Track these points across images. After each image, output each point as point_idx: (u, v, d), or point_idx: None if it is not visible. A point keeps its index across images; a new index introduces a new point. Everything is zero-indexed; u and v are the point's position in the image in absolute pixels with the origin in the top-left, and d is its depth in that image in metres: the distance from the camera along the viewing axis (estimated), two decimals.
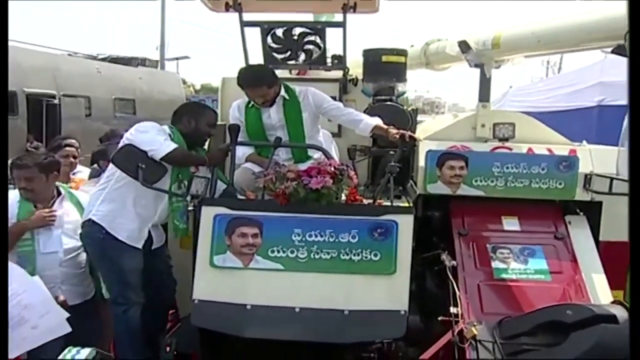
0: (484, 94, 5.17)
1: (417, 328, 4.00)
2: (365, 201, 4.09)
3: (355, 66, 5.96)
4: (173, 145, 4.07)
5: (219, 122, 4.95)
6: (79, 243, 4.27)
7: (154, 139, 4.05)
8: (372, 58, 5.71)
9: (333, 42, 5.64)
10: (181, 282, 4.48)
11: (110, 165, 4.14)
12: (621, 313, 3.22)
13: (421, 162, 4.52)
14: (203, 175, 4.09)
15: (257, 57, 5.66)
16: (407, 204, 4.41)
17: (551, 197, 4.47)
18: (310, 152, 4.74)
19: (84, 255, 4.34)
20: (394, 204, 3.99)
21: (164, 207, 4.27)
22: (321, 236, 3.68)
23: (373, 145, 5.29)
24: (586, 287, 3.98)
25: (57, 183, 4.43)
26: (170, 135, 4.16)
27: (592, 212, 4.49)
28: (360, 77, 5.87)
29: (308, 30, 5.60)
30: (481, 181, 4.43)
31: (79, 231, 4.23)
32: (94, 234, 4.13)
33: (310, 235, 3.68)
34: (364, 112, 5.05)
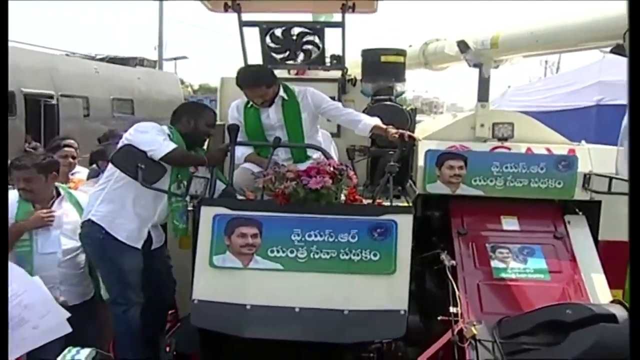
0: (483, 94, 5.18)
1: (417, 328, 4.00)
2: (365, 201, 4.09)
3: (354, 66, 5.96)
4: (172, 146, 4.07)
5: (218, 122, 4.95)
6: (78, 243, 4.27)
7: (154, 139, 4.05)
8: (370, 58, 5.71)
9: (332, 42, 5.65)
10: (180, 283, 4.49)
11: (110, 165, 4.14)
12: (621, 312, 3.22)
13: (420, 161, 4.53)
14: (202, 176, 4.09)
15: (255, 57, 5.66)
16: (406, 204, 4.41)
17: (550, 197, 4.48)
18: (310, 152, 4.74)
19: (83, 256, 4.34)
20: (394, 204, 3.99)
21: (163, 207, 4.28)
22: (321, 236, 3.68)
23: (372, 145, 5.29)
24: (585, 286, 3.99)
25: (57, 183, 4.42)
26: (169, 135, 4.16)
27: (591, 211, 4.49)
28: (359, 77, 5.87)
29: (307, 30, 5.59)
30: (480, 181, 4.44)
31: (79, 231, 4.23)
32: (93, 234, 4.13)
33: (309, 235, 3.68)
34: (363, 112, 5.04)
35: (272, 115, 4.76)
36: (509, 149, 4.71)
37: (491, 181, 4.43)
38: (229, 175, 4.20)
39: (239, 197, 4.14)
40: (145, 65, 16.95)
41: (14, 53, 11.35)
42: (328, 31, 5.55)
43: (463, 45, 5.47)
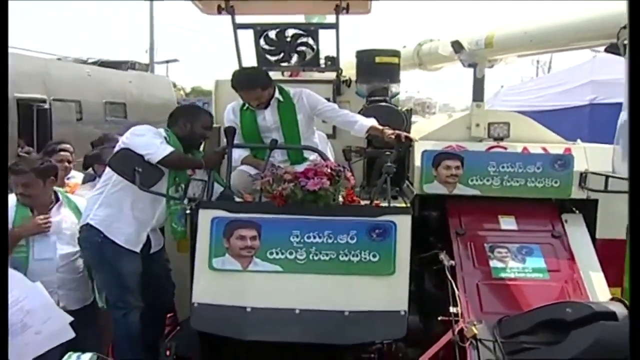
0: (478, 94, 5.19)
1: (417, 328, 4.02)
2: (363, 202, 4.09)
3: (349, 67, 5.96)
4: (169, 149, 4.06)
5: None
6: (77, 248, 4.25)
7: (150, 142, 4.05)
8: (365, 59, 5.71)
9: (326, 43, 5.65)
10: (179, 286, 4.48)
11: (107, 169, 4.14)
12: (620, 310, 3.24)
13: (417, 162, 4.52)
14: (200, 178, 4.08)
15: (249, 59, 5.66)
16: (404, 205, 4.41)
17: (547, 196, 4.48)
18: (306, 153, 4.74)
19: (81, 260, 4.32)
20: (391, 205, 3.99)
21: (161, 210, 4.28)
22: (320, 237, 3.68)
23: (368, 146, 5.29)
24: (584, 284, 3.99)
25: (55, 188, 4.40)
26: (166, 138, 4.16)
27: (588, 210, 4.50)
28: (353, 78, 5.87)
29: (301, 32, 5.60)
30: (477, 180, 4.44)
31: (77, 236, 4.21)
32: (91, 239, 4.12)
33: (308, 237, 3.69)
34: (359, 113, 5.04)
35: (268, 117, 4.76)
36: (505, 148, 4.72)
37: (488, 181, 4.43)
38: (226, 178, 4.19)
39: (237, 199, 4.13)
40: (137, 68, 16.86)
41: None
42: (322, 33, 5.56)
43: (457, 46, 5.49)
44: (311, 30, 5.59)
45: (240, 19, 5.52)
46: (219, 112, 5.43)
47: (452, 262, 3.98)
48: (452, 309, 3.66)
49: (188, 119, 4.30)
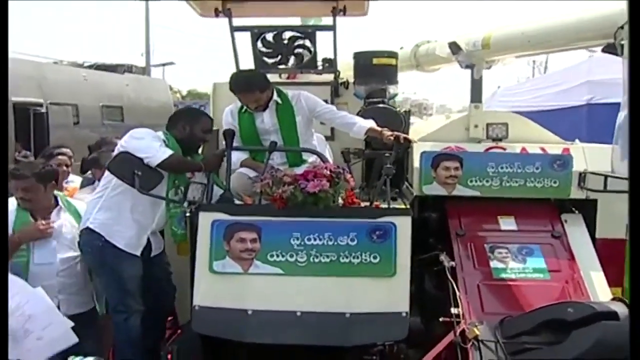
0: (476, 95, 5.20)
1: (418, 330, 4.01)
2: (362, 204, 4.08)
3: (346, 69, 5.96)
4: (169, 152, 4.05)
5: None
6: (77, 252, 4.23)
7: (150, 145, 4.04)
8: (362, 61, 5.72)
9: (323, 45, 5.65)
10: (179, 289, 4.48)
11: (107, 173, 4.12)
12: (622, 310, 3.24)
13: (416, 163, 4.52)
14: (199, 181, 4.07)
15: (247, 62, 5.66)
16: (404, 206, 4.41)
17: (546, 196, 4.49)
18: (305, 155, 4.74)
19: (82, 265, 4.30)
20: (391, 206, 3.99)
21: (161, 213, 4.27)
22: (320, 239, 3.68)
23: (366, 147, 5.29)
24: (585, 284, 4.00)
25: (55, 192, 4.38)
26: (165, 141, 4.15)
27: (587, 210, 4.51)
28: (351, 80, 5.88)
29: (298, 34, 5.60)
30: (476, 181, 4.44)
31: (77, 240, 4.20)
32: (92, 242, 4.10)
33: (309, 239, 3.68)
34: (357, 114, 5.03)
35: (267, 120, 4.75)
36: (504, 149, 4.73)
37: (487, 181, 4.43)
38: (225, 180, 4.19)
39: (237, 202, 4.13)
40: (134, 71, 16.89)
41: None
42: (319, 35, 5.56)
43: (454, 47, 5.49)
44: (308, 33, 5.59)
45: (237, 21, 5.52)
46: (217, 114, 5.42)
47: (453, 263, 3.99)
48: (453, 310, 3.67)
49: (188, 122, 4.29)
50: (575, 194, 4.47)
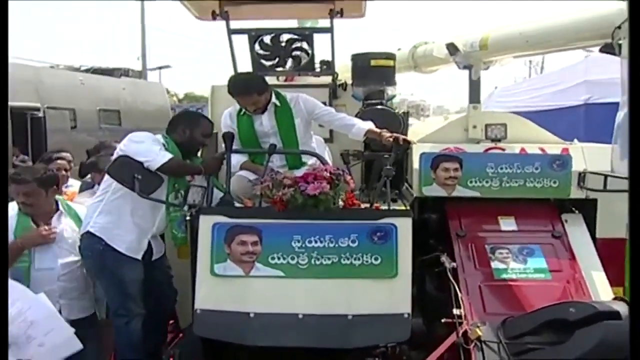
0: (474, 96, 5.21)
1: (421, 331, 4.01)
2: (362, 205, 4.08)
3: (344, 71, 5.97)
4: (168, 156, 4.05)
5: None
6: (78, 257, 4.21)
7: (149, 149, 4.04)
8: (360, 62, 5.72)
9: (321, 47, 5.65)
10: (180, 292, 4.47)
11: (106, 176, 4.11)
12: (624, 309, 3.24)
13: (415, 165, 4.52)
14: (199, 184, 4.07)
15: (244, 65, 5.66)
16: (404, 207, 4.41)
17: (546, 196, 4.49)
18: (304, 158, 4.74)
19: (83, 269, 4.29)
20: (391, 208, 3.98)
21: (161, 217, 4.26)
22: (321, 242, 3.67)
23: (365, 149, 5.29)
24: (586, 284, 4.00)
25: (56, 196, 4.37)
26: (164, 145, 4.14)
27: (587, 209, 4.51)
28: (349, 81, 5.87)
29: (296, 37, 5.60)
30: (476, 182, 4.43)
31: (78, 244, 4.19)
32: (93, 246, 4.10)
33: (310, 241, 3.68)
34: (355, 116, 5.03)
35: (265, 122, 4.75)
36: (503, 149, 4.73)
37: (487, 182, 4.43)
38: (225, 183, 4.18)
39: (237, 205, 4.12)
40: (130, 75, 16.83)
41: None
42: (317, 37, 5.56)
43: (452, 48, 5.50)
44: (306, 35, 5.59)
45: (234, 24, 5.51)
46: (216, 117, 5.41)
47: (454, 264, 3.99)
48: (455, 311, 3.67)
49: (188, 125, 4.29)
50: (575, 193, 4.47)
